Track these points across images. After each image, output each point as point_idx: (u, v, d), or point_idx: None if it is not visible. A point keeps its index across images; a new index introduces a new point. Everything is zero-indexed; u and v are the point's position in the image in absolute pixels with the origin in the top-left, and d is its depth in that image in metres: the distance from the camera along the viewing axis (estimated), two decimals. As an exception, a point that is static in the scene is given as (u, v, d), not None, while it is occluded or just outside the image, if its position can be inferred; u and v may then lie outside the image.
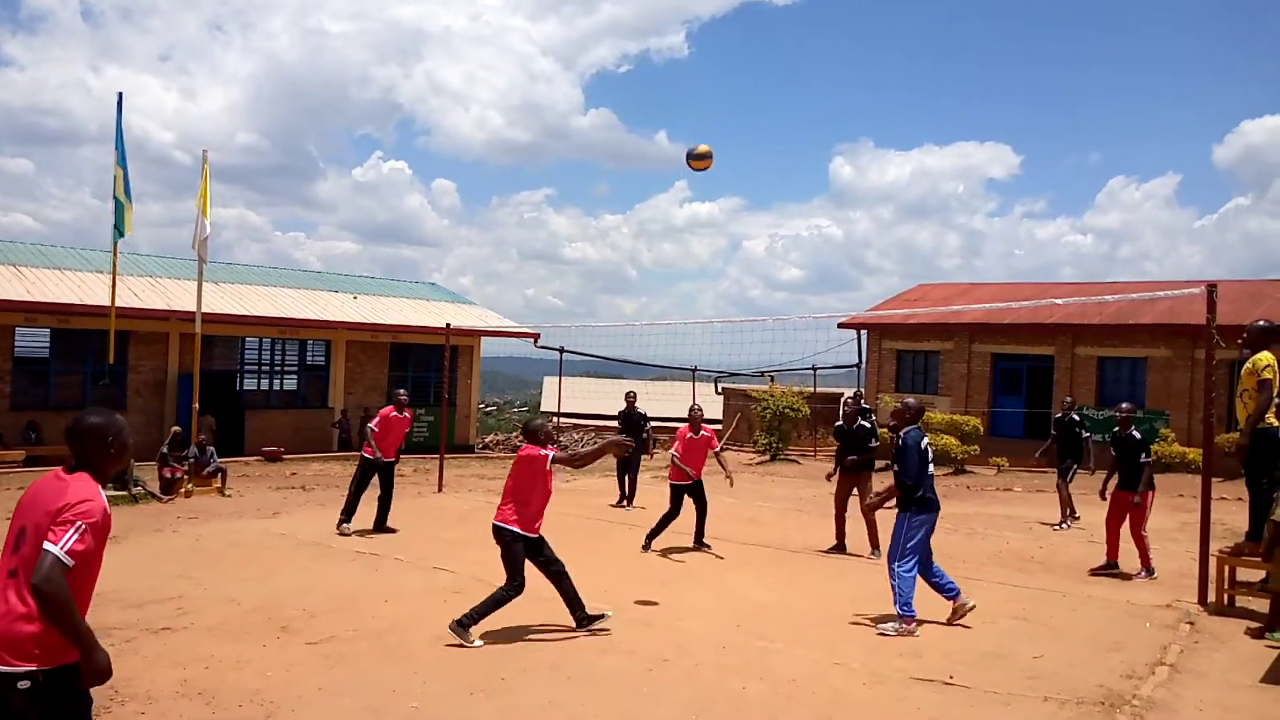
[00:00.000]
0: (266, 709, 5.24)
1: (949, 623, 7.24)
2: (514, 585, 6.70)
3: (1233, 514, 13.12)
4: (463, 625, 6.56)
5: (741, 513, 11.87)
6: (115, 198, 14.30)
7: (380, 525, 10.94)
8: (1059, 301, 16.35)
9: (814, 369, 26.98)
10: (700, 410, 10.58)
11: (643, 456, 14.77)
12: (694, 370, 27.72)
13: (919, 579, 7.19)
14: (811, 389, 26.41)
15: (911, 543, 7.16)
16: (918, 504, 7.20)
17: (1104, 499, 9.65)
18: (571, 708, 5.39)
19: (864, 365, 25.21)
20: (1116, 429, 9.56)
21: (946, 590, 7.34)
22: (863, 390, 22.12)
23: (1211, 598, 7.82)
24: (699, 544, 10.28)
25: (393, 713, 5.25)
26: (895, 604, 7.09)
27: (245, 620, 7.01)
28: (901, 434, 7.33)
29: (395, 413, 11.07)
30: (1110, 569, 9.31)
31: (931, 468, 7.39)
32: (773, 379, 25.16)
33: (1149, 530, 9.37)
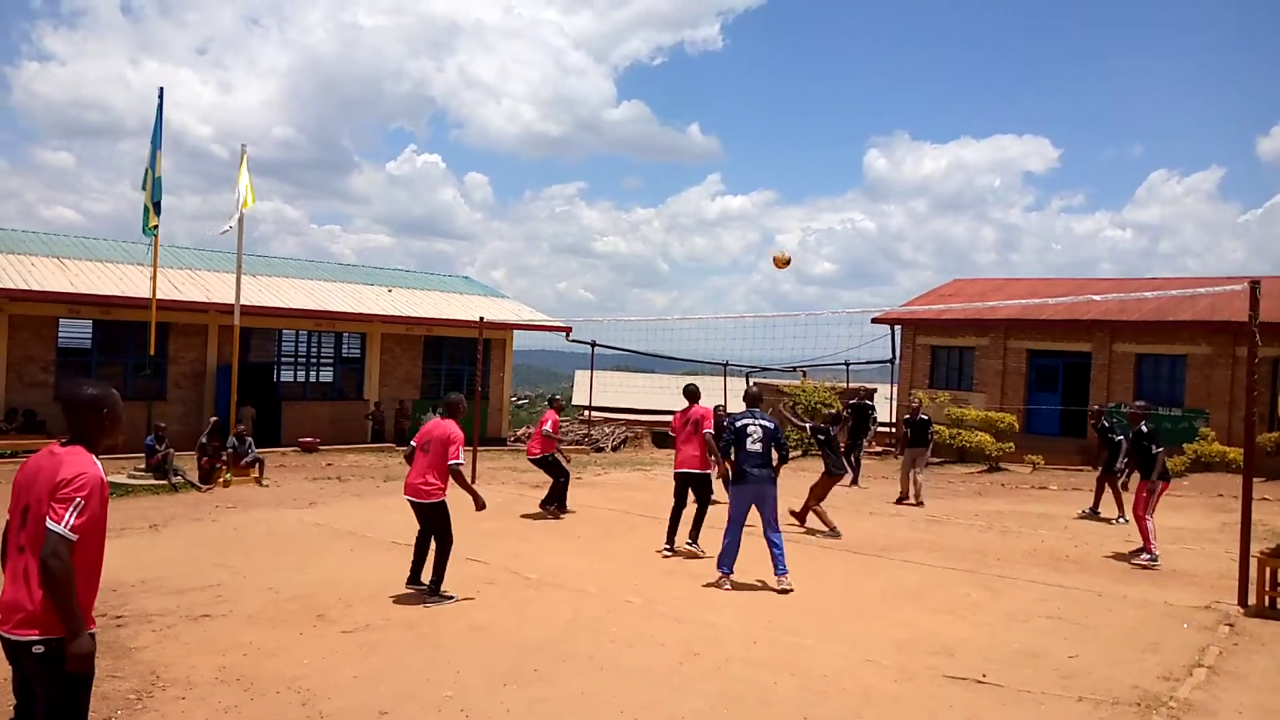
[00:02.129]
0: (303, 696, 5.33)
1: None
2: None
3: (1274, 514, 12.92)
4: (432, 593, 7.38)
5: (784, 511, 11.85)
6: (145, 204, 14.50)
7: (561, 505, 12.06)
8: (1097, 298, 16.15)
9: (847, 364, 26.84)
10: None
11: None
12: (725, 365, 27.66)
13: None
14: (844, 384, 26.26)
15: None
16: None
17: (1126, 490, 10.79)
18: (603, 698, 5.43)
19: (898, 361, 25.01)
20: (1133, 426, 10.44)
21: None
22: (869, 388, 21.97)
23: (1252, 599, 7.69)
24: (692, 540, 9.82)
25: (426, 701, 5.32)
26: None
27: (282, 608, 7.13)
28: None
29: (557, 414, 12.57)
30: (1140, 555, 9.80)
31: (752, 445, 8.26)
32: (805, 374, 25.05)
33: (1184, 527, 9.32)
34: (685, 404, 10.20)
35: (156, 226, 14.89)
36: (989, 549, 10.45)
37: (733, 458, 8.38)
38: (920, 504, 13.90)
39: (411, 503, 7.68)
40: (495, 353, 26.26)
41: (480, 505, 7.67)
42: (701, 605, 7.57)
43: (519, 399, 59.60)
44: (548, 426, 12.06)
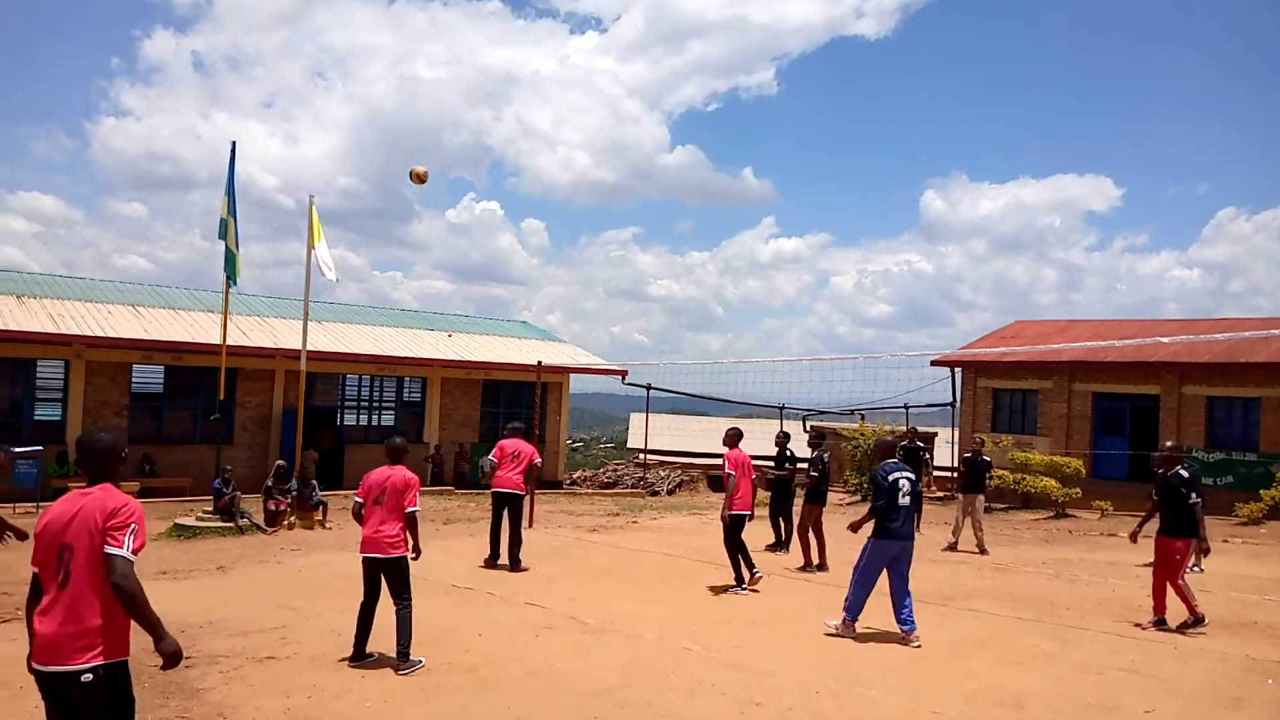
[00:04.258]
0: (366, 739, 5.38)
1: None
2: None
3: (1362, 564, 12.35)
4: (404, 659, 6.76)
5: (835, 553, 11.70)
6: (227, 248, 14.95)
7: None
8: (1165, 339, 15.74)
9: (906, 407, 26.44)
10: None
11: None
12: (781, 408, 27.48)
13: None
14: (904, 427, 25.88)
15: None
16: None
17: (1134, 542, 9.44)
18: (663, 748, 5.38)
19: (958, 404, 24.62)
20: (1160, 470, 8.95)
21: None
22: (911, 428, 21.55)
23: (1339, 654, 7.35)
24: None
25: (487, 747, 5.32)
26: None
27: (345, 651, 7.19)
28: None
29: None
30: (1160, 625, 8.61)
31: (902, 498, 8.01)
32: (863, 417, 24.77)
33: (1264, 576, 8.92)
34: (726, 448, 10.31)
35: (236, 271, 15.29)
36: (1058, 598, 10.16)
37: (884, 514, 7.97)
38: (984, 552, 13.53)
39: (370, 560, 7.02)
40: (552, 396, 26.47)
41: (417, 555, 7.21)
42: (761, 654, 7.48)
43: (574, 442, 59.83)
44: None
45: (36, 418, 19.73)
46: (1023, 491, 19.85)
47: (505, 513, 11.14)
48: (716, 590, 10.10)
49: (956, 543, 13.85)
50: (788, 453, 13.48)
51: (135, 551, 3.54)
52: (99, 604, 3.48)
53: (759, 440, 16.18)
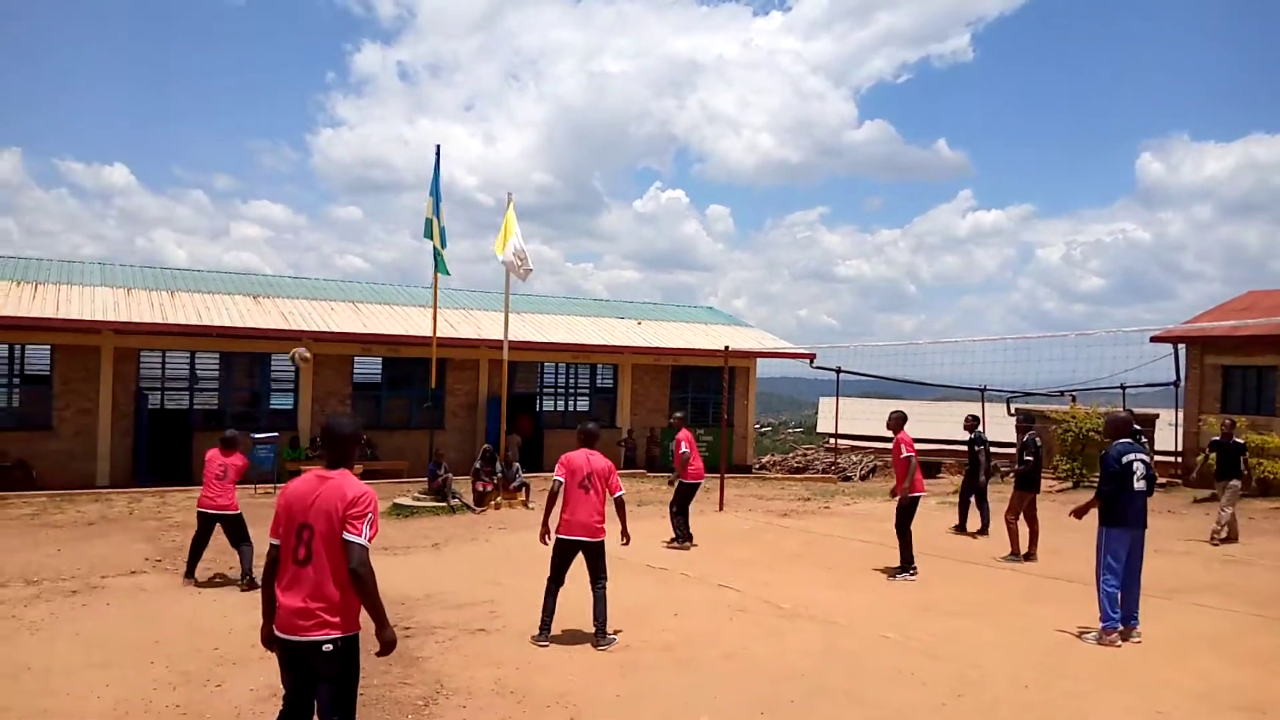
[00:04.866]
0: (570, 711, 5.64)
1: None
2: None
3: None
4: (601, 635, 7.01)
5: (1044, 542, 11.10)
6: (434, 248, 15.74)
7: None
8: None
9: (1123, 387, 24.61)
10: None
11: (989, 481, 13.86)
12: (983, 390, 26.22)
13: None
14: (1118, 409, 24.11)
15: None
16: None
17: None
18: (861, 735, 5.32)
19: (1183, 383, 22.66)
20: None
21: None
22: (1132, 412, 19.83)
23: None
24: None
25: (685, 724, 5.44)
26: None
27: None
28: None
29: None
30: None
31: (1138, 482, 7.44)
32: (1074, 399, 23.27)
33: None
34: (894, 432, 10.19)
35: (444, 264, 16.08)
36: (1304, 596, 9.22)
37: (1113, 498, 7.44)
38: (1230, 540, 12.52)
39: (572, 542, 7.10)
40: (739, 381, 26.48)
41: (628, 540, 7.51)
42: (962, 644, 7.23)
43: (762, 426, 59.58)
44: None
45: (271, 407, 21.76)
46: (1259, 477, 18.05)
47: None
48: (887, 572, 9.91)
49: (1225, 534, 12.74)
50: (978, 435, 13.20)
51: (371, 539, 3.86)
52: (338, 582, 3.83)
53: (956, 424, 15.57)
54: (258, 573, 6.94)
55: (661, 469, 23.13)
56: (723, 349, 17.81)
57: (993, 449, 13.77)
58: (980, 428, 13.34)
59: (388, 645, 3.93)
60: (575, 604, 7.48)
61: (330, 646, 3.80)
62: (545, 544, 7.31)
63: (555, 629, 7.19)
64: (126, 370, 19.83)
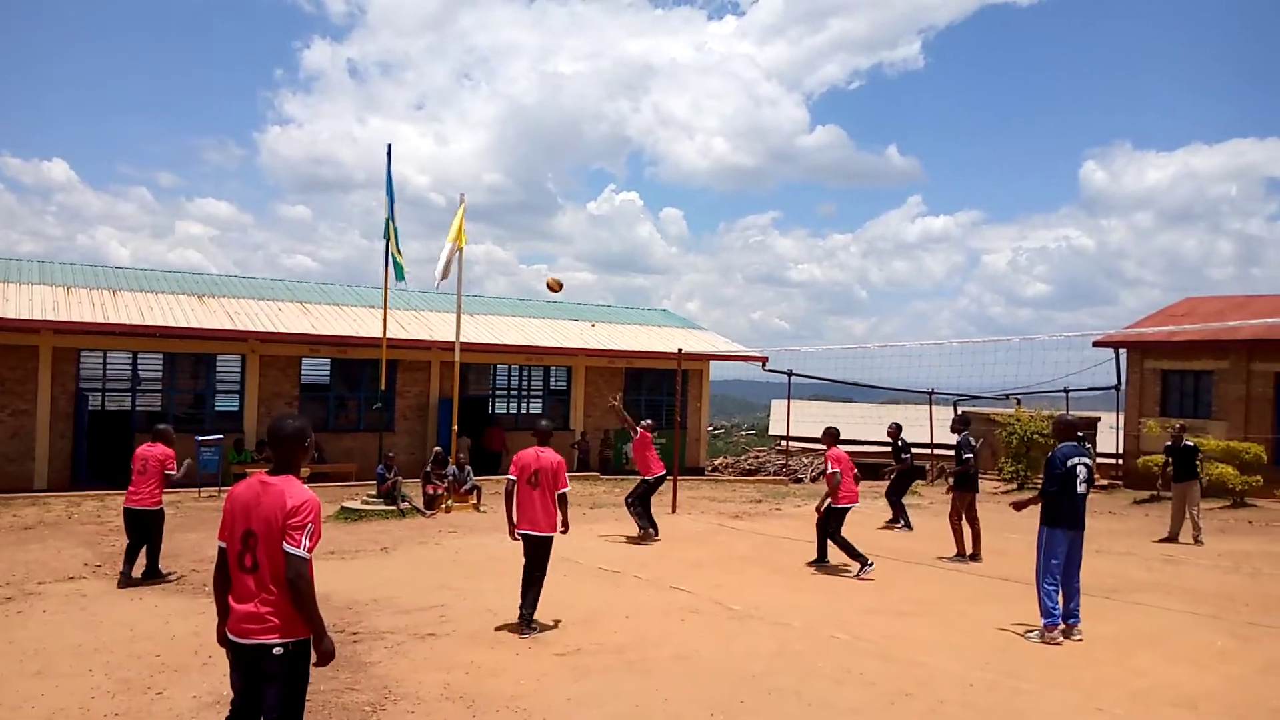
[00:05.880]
0: (521, 716, 5.60)
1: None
2: None
3: None
4: (527, 623, 7.40)
5: (988, 544, 11.31)
6: (390, 254, 15.44)
7: None
8: (1362, 314, 14.37)
9: (1066, 391, 25.15)
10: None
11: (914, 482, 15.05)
12: (930, 393, 26.64)
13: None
14: (1063, 413, 24.62)
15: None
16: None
17: None
18: (810, 735, 5.37)
19: (1124, 387, 23.24)
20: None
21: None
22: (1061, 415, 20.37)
23: None
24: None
25: (637, 726, 5.44)
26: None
27: (500, 629, 7.52)
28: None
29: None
30: None
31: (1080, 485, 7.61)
32: (1019, 402, 23.74)
33: None
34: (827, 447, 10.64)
35: (402, 271, 15.81)
36: (1237, 593, 9.51)
37: (1056, 499, 7.55)
38: (1171, 539, 12.95)
39: (527, 536, 7.61)
40: (693, 383, 26.59)
41: (565, 530, 7.84)
42: (909, 644, 7.33)
43: (715, 429, 59.86)
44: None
45: (216, 408, 21.33)
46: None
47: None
48: (858, 577, 9.99)
49: (1175, 535, 13.16)
50: (900, 443, 14.37)
51: (311, 549, 3.83)
52: (284, 589, 3.81)
53: (911, 427, 16.00)
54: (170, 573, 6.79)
55: (615, 471, 23.14)
56: (676, 351, 17.86)
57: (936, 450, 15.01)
58: (902, 433, 14.52)
59: (325, 656, 3.90)
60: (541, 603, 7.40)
61: (280, 650, 3.80)
62: (515, 539, 7.68)
63: (509, 633, 7.17)
64: (66, 370, 19.31)
